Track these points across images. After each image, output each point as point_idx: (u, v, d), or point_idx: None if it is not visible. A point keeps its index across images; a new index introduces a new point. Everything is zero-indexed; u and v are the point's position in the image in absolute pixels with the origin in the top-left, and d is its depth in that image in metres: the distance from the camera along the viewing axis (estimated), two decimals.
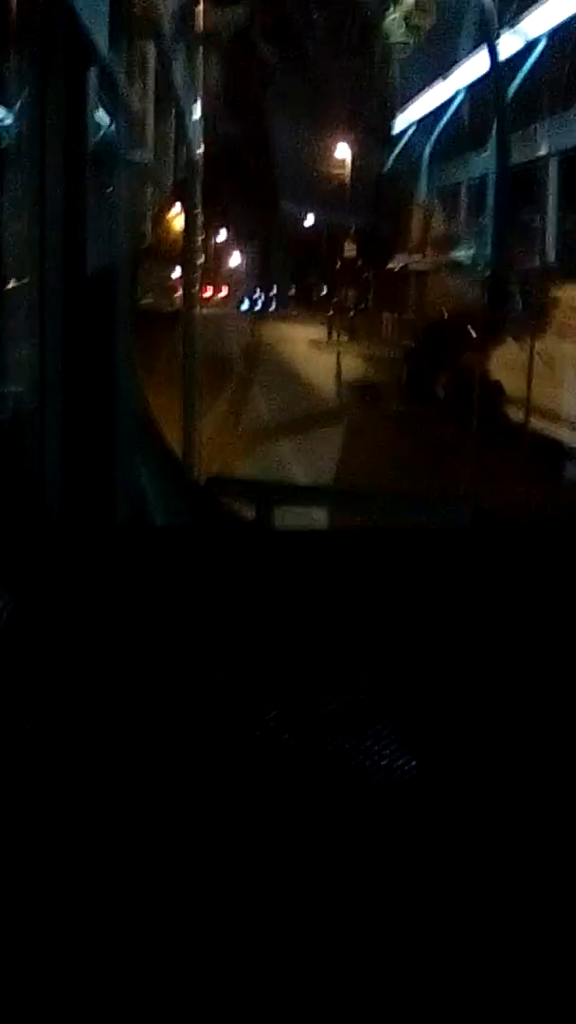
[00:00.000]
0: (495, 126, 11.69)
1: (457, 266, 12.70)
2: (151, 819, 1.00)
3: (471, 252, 12.77)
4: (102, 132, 2.83)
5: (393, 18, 11.89)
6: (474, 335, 10.01)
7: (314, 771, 1.02)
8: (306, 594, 1.05)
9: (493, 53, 11.20)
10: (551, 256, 11.51)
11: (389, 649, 1.03)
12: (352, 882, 0.98)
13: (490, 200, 12.21)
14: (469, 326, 10.17)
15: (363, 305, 14.91)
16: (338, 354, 12.38)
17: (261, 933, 0.96)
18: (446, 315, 11.40)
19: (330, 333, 14.37)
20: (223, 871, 0.98)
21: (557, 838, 0.99)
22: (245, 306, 17.14)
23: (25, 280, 2.49)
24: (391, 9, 11.90)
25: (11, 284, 2.53)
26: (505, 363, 9.27)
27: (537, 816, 1.01)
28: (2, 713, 1.02)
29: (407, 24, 12.08)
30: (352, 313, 14.72)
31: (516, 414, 8.66)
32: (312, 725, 1.01)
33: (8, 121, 2.53)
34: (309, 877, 0.98)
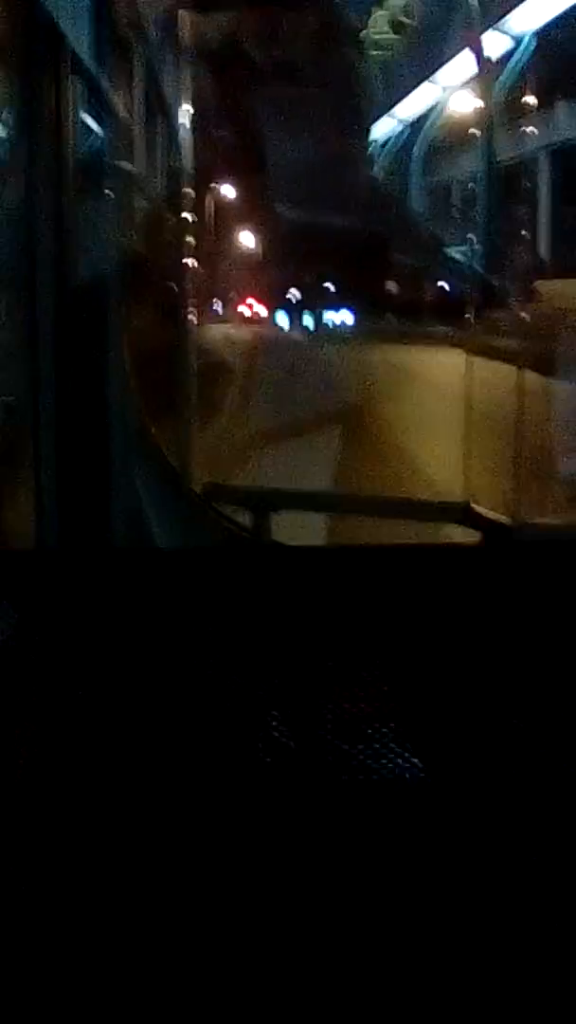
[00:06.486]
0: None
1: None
2: (153, 830, 0.98)
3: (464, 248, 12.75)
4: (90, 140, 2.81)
5: (379, 16, 11.92)
6: None
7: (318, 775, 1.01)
8: (309, 607, 1.04)
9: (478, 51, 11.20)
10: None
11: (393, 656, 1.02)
12: (355, 883, 0.97)
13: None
14: None
15: None
16: None
17: (263, 935, 0.94)
18: None
19: None
20: (229, 877, 0.97)
21: (558, 841, 0.98)
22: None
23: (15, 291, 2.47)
24: (377, 9, 11.92)
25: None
26: None
27: (538, 818, 0.99)
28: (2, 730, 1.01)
29: (392, 23, 12.09)
30: None
31: None
32: (315, 732, 1.00)
33: None
34: (313, 879, 0.97)
